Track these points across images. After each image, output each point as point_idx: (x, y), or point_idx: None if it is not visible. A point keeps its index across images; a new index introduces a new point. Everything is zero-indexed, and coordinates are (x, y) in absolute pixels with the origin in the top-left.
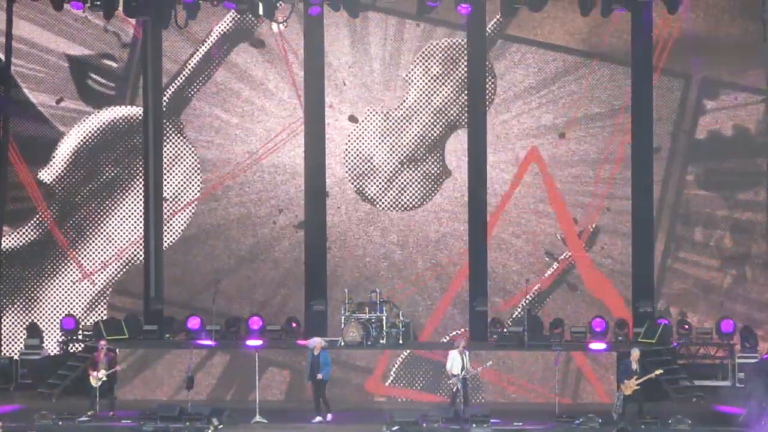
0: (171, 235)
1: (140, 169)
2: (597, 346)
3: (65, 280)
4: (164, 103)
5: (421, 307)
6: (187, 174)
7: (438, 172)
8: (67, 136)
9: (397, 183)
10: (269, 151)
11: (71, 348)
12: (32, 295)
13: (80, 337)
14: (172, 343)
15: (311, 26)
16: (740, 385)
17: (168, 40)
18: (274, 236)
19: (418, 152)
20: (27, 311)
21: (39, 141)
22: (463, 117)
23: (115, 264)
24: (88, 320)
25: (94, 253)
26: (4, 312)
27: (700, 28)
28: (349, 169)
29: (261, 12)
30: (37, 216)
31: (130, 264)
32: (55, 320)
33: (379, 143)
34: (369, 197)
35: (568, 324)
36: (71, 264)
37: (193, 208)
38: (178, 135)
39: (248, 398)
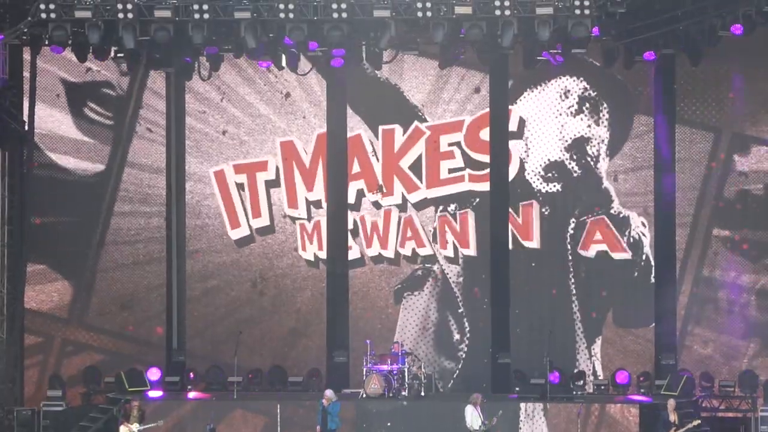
0: (193, 287)
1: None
2: None
3: None
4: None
5: (443, 358)
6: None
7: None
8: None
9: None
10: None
11: (93, 399)
12: None
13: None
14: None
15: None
16: None
17: (190, 92)
18: (295, 287)
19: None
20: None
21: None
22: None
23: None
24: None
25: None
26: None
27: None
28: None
29: (284, 64)
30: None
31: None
32: None
33: None
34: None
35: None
36: None
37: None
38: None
39: None
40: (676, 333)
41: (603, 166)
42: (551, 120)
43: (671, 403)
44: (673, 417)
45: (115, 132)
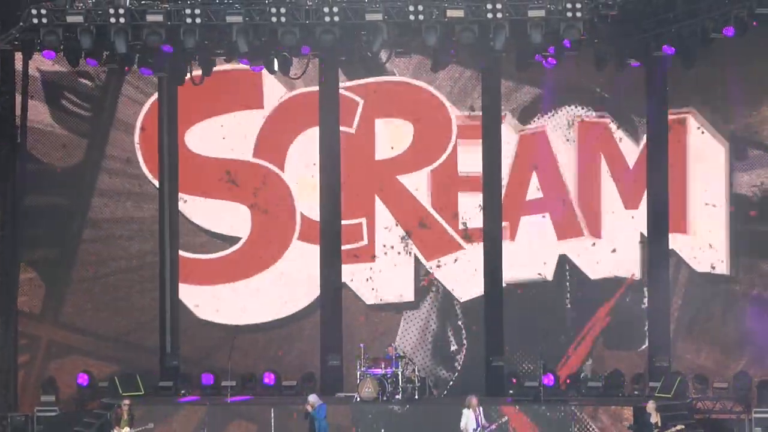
0: (186, 291)
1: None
2: None
3: None
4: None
5: (437, 362)
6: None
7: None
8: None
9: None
10: None
11: (87, 404)
12: None
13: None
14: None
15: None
16: None
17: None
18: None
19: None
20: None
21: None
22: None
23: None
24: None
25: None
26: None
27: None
28: None
29: (276, 68)
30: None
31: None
32: None
33: None
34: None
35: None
36: None
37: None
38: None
39: None
40: (669, 331)
41: None
42: None
43: (650, 404)
44: (655, 418)
45: (94, 126)
